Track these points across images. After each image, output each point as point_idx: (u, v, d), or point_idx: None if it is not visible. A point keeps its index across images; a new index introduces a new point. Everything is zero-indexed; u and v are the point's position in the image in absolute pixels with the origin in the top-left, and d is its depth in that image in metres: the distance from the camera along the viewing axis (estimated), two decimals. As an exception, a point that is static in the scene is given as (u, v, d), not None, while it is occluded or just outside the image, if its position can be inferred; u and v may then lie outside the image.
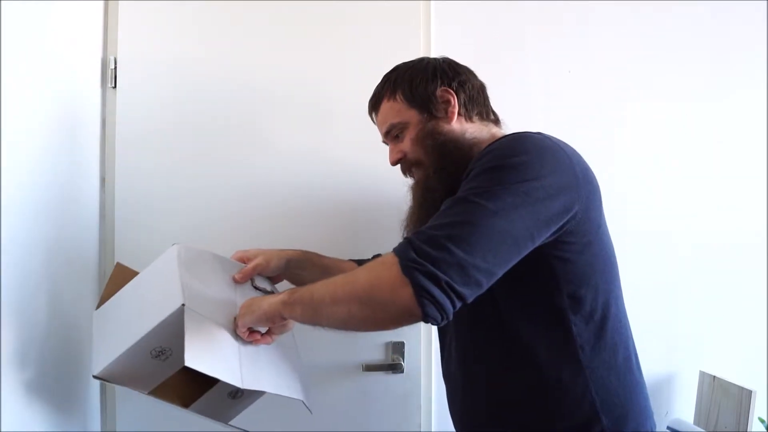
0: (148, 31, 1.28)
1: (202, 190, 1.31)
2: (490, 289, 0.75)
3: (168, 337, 0.79)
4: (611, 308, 0.87)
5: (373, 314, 0.74)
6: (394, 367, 1.35)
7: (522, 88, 1.44)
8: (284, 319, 0.83)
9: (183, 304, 0.77)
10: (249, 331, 0.85)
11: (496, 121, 1.00)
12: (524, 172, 0.76)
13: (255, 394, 0.91)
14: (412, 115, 0.95)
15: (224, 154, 1.32)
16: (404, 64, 1.01)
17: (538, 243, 0.77)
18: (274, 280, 1.03)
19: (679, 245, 1.53)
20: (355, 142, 1.35)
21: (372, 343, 1.37)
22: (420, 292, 0.69)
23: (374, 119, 1.04)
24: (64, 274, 1.02)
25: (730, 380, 1.41)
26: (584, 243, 0.83)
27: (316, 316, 0.79)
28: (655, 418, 0.93)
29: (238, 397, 0.91)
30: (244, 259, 1.00)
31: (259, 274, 0.99)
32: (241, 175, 1.32)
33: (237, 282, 0.94)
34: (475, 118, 0.96)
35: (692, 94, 1.53)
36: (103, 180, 1.27)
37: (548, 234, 0.78)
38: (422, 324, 1.37)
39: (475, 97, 0.97)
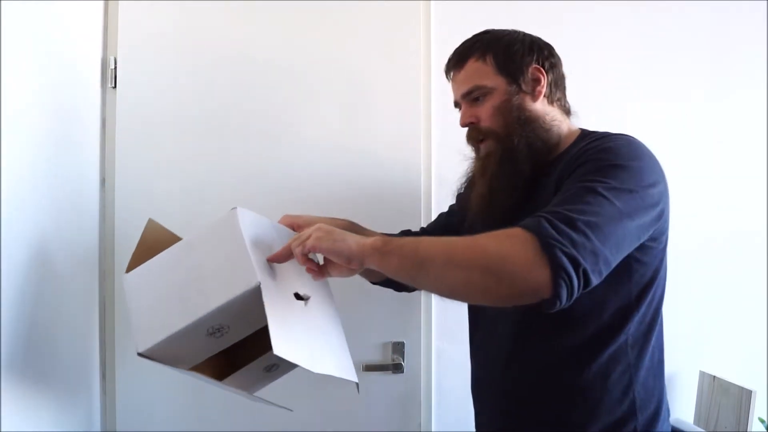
0: (148, 31, 1.28)
1: (202, 190, 1.31)
2: None
3: (230, 315, 0.73)
4: (659, 312, 0.92)
5: (497, 286, 0.69)
6: (394, 367, 1.35)
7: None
8: (363, 266, 0.75)
9: (259, 283, 0.70)
10: (306, 257, 0.77)
11: (569, 112, 0.99)
12: (645, 177, 0.79)
13: (288, 368, 0.88)
14: (500, 83, 0.92)
15: (224, 154, 1.32)
16: (499, 29, 0.98)
17: (638, 245, 0.80)
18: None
19: (679, 245, 1.52)
20: (353, 139, 1.35)
21: (372, 343, 1.37)
22: (559, 273, 0.66)
23: (451, 77, 0.99)
24: (64, 274, 1.02)
25: (730, 380, 1.41)
26: (660, 248, 0.88)
27: (420, 273, 0.73)
28: None
29: (273, 370, 0.87)
30: (294, 226, 0.95)
31: None
32: (241, 174, 1.32)
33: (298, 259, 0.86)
34: (555, 104, 0.96)
35: (692, 94, 1.53)
36: (103, 180, 1.27)
37: (646, 237, 0.81)
38: (422, 324, 1.38)
39: (559, 83, 0.97)
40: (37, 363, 0.87)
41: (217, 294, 0.71)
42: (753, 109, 1.57)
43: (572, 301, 0.69)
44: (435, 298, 1.38)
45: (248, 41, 1.33)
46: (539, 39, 0.98)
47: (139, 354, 0.71)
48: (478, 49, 0.94)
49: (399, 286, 1.11)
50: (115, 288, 1.27)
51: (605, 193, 0.73)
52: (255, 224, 0.82)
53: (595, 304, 0.85)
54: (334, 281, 1.11)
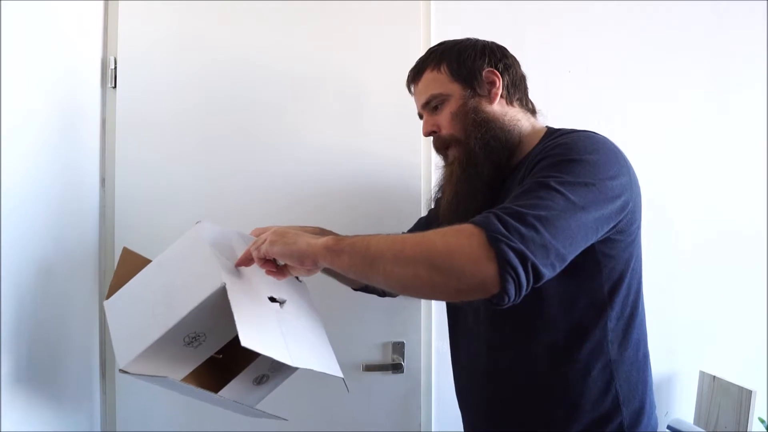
0: (148, 31, 1.28)
1: (203, 190, 1.31)
2: None
3: (203, 322, 0.74)
4: (638, 306, 0.91)
5: (445, 282, 0.68)
6: (394, 367, 1.35)
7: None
8: (317, 266, 0.77)
9: (224, 284, 0.72)
10: (264, 260, 0.80)
11: (533, 112, 1.00)
12: (601, 170, 0.78)
13: (278, 379, 0.88)
14: (455, 89, 0.94)
15: (224, 154, 1.32)
16: (451, 40, 1.00)
17: (598, 238, 0.79)
18: None
19: (679, 245, 1.53)
20: (353, 139, 1.35)
21: (372, 343, 1.37)
22: (506, 268, 0.65)
23: (412, 90, 1.03)
24: (64, 273, 1.02)
25: (730, 380, 1.41)
26: (629, 241, 0.86)
27: (369, 270, 0.73)
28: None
29: (263, 382, 0.87)
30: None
31: None
32: (241, 175, 1.32)
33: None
34: (515, 104, 0.97)
35: (692, 93, 1.53)
36: (103, 180, 1.27)
37: (607, 229, 0.79)
38: (422, 324, 1.38)
39: (517, 84, 0.98)
40: (37, 363, 0.87)
41: (186, 302, 0.73)
42: (753, 109, 1.57)
43: (521, 296, 0.68)
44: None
45: (248, 41, 1.33)
46: (492, 43, 1.00)
47: (121, 371, 0.73)
48: (432, 60, 0.97)
49: (382, 292, 1.12)
50: (115, 288, 1.27)
51: (558, 187, 0.73)
52: (219, 234, 0.85)
53: (565, 303, 0.86)
54: (334, 284, 1.11)
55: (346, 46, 1.36)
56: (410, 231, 1.19)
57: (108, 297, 0.84)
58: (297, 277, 0.93)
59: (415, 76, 1.01)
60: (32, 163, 0.86)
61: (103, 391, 1.27)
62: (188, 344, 0.75)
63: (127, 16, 1.27)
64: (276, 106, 1.34)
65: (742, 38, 1.56)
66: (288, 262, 0.78)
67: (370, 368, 1.35)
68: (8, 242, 0.75)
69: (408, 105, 1.37)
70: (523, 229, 0.68)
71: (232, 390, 0.83)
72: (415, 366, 1.38)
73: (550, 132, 0.94)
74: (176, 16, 1.30)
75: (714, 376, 1.45)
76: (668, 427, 1.43)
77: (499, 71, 0.95)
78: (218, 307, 0.72)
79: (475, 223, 0.69)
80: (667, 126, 1.52)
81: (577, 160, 0.78)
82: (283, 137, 1.34)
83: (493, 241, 0.66)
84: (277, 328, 0.78)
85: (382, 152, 1.37)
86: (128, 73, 1.28)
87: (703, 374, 1.48)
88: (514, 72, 0.98)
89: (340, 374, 0.84)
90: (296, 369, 0.79)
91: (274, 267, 0.81)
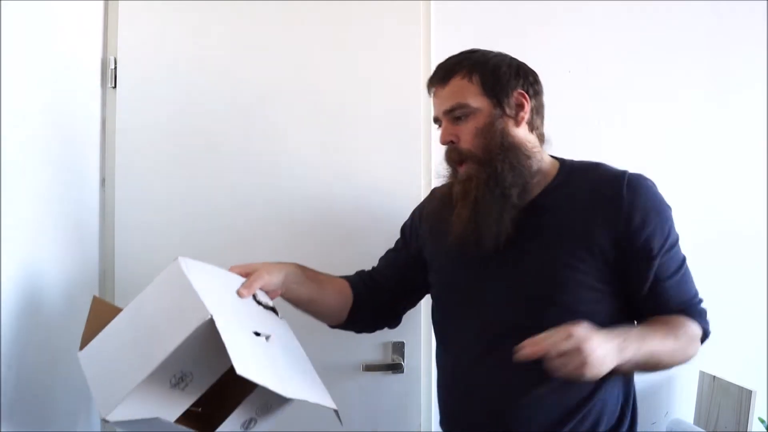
0: (148, 31, 1.28)
1: (203, 191, 1.30)
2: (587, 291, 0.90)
3: (189, 360, 0.71)
4: None
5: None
6: (394, 367, 1.35)
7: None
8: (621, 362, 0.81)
9: (211, 316, 0.69)
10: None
11: (542, 139, 0.98)
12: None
13: (266, 422, 0.84)
14: (484, 104, 0.91)
15: (224, 155, 1.31)
16: (484, 50, 0.97)
17: None
18: (271, 295, 0.96)
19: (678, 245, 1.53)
20: (353, 138, 1.35)
21: (372, 343, 1.36)
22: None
23: (432, 91, 0.97)
24: (64, 274, 1.02)
25: (730, 380, 1.41)
26: None
27: (647, 368, 0.93)
28: (655, 417, 0.97)
29: (251, 427, 0.82)
30: (243, 273, 0.93)
31: (261, 288, 0.93)
32: (241, 175, 1.32)
33: (241, 296, 0.87)
34: (535, 132, 0.96)
35: (692, 93, 1.53)
36: (103, 180, 1.27)
37: None
38: (422, 324, 1.38)
39: (539, 112, 0.97)
40: (37, 362, 0.87)
41: (171, 338, 0.69)
42: (753, 109, 1.57)
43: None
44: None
45: (248, 41, 1.33)
46: (525, 64, 0.98)
47: (104, 420, 0.68)
48: (465, 67, 0.93)
49: (358, 330, 1.13)
50: (115, 288, 1.27)
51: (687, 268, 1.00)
52: (200, 269, 0.82)
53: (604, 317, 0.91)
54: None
55: (346, 45, 1.36)
56: (381, 264, 1.15)
57: (81, 348, 0.79)
58: (276, 313, 0.92)
59: (443, 78, 0.95)
60: (32, 163, 0.86)
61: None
62: (175, 386, 0.71)
63: (127, 16, 1.27)
64: (276, 106, 1.34)
65: (742, 38, 1.56)
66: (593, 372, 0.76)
67: (370, 368, 1.34)
68: (8, 242, 0.74)
69: (408, 105, 1.38)
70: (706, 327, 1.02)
71: (229, 427, 0.78)
72: (415, 366, 1.38)
73: (565, 164, 0.97)
74: (176, 16, 1.30)
75: (714, 376, 1.45)
76: (668, 427, 1.43)
77: (529, 95, 0.93)
78: (205, 342, 0.70)
79: (700, 324, 1.01)
80: (667, 126, 1.51)
81: (670, 222, 0.98)
82: (283, 136, 1.34)
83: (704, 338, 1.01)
84: (268, 361, 0.76)
85: (382, 152, 1.37)
86: (128, 73, 1.28)
87: (703, 374, 1.48)
88: (540, 99, 0.97)
89: (333, 406, 0.83)
90: (286, 404, 0.78)
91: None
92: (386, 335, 1.36)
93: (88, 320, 0.82)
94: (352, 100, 1.36)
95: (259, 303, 0.89)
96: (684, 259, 0.97)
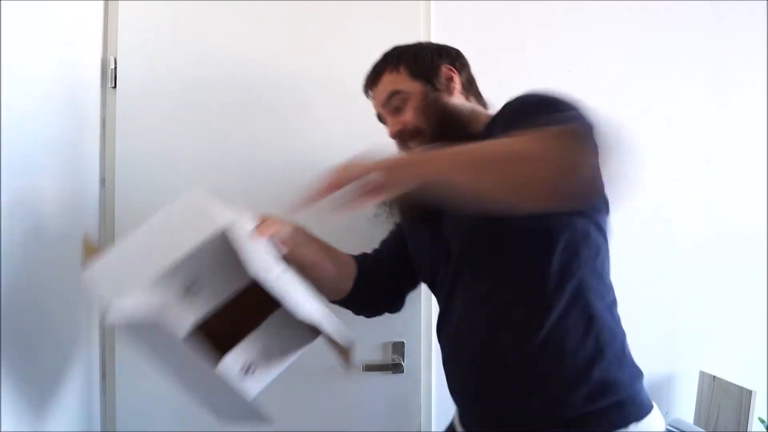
0: (148, 31, 1.28)
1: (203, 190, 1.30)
2: (533, 232, 0.85)
3: (201, 270, 0.69)
4: (615, 302, 0.94)
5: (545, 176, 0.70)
6: (394, 367, 1.35)
7: (522, 88, 1.43)
8: (433, 182, 0.73)
9: (227, 225, 0.68)
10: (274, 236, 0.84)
11: (486, 106, 1.04)
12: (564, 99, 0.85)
13: (267, 374, 0.79)
14: (415, 86, 0.98)
15: (224, 154, 1.32)
16: (405, 44, 1.04)
17: None
18: (279, 247, 0.93)
19: (679, 245, 1.53)
20: (353, 139, 1.35)
21: (372, 343, 1.37)
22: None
23: (370, 95, 1.05)
24: (63, 273, 1.02)
25: (730, 380, 1.41)
26: (602, 222, 0.91)
27: (482, 175, 0.72)
28: None
29: (249, 374, 0.78)
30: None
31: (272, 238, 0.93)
32: (241, 175, 1.32)
33: (258, 236, 0.87)
34: (471, 99, 1.02)
35: (692, 93, 1.53)
36: (103, 180, 1.27)
37: None
38: (422, 324, 1.38)
39: (472, 83, 1.03)
40: (37, 362, 0.87)
41: (184, 244, 0.67)
42: (753, 109, 1.57)
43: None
44: (434, 299, 1.38)
45: (248, 41, 1.33)
46: (446, 45, 1.04)
47: (109, 324, 0.67)
48: (390, 63, 1.00)
49: (357, 309, 1.12)
50: (115, 288, 1.27)
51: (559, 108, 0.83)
52: (214, 202, 0.77)
53: (543, 241, 0.88)
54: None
55: (346, 45, 1.36)
56: (381, 245, 1.17)
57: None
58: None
59: (373, 79, 1.03)
60: (32, 163, 0.86)
61: (103, 391, 1.27)
62: (185, 295, 0.69)
63: (127, 16, 1.27)
64: (275, 106, 1.34)
65: (742, 38, 1.56)
66: (403, 185, 0.74)
67: (370, 368, 1.34)
68: (7, 242, 0.75)
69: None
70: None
71: (230, 366, 0.74)
72: (415, 366, 1.38)
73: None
74: (176, 16, 1.30)
75: (714, 376, 1.45)
76: (668, 427, 1.43)
77: (456, 68, 0.99)
78: (219, 256, 0.68)
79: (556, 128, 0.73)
80: (667, 126, 1.52)
81: (548, 94, 0.86)
82: (284, 136, 1.34)
83: (583, 135, 0.73)
84: (278, 282, 0.73)
85: (382, 152, 1.36)
86: (128, 73, 1.28)
87: (703, 374, 1.48)
88: (469, 73, 1.03)
89: (347, 339, 0.79)
90: (288, 354, 0.76)
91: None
92: (386, 335, 1.36)
93: (84, 255, 0.78)
94: (352, 99, 1.35)
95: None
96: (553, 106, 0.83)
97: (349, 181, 0.72)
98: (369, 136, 1.36)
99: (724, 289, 1.55)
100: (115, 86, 1.27)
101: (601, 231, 0.91)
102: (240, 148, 1.32)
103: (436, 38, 1.39)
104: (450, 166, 0.72)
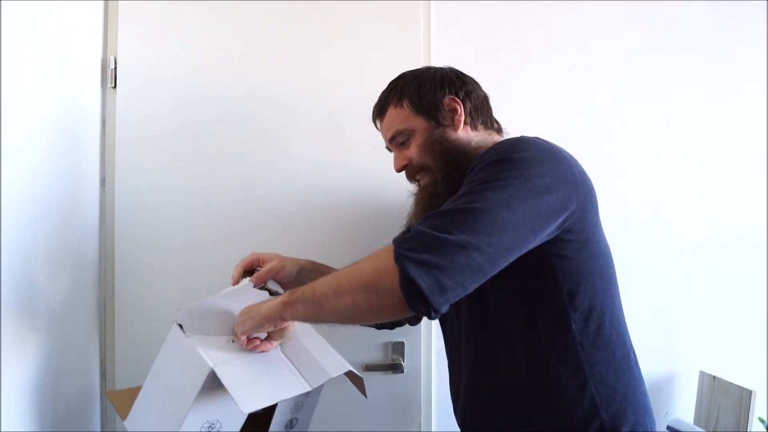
0: (148, 31, 1.28)
1: (203, 191, 1.31)
2: (494, 288, 0.80)
3: (212, 409, 0.81)
4: (608, 306, 0.89)
5: (380, 301, 0.71)
6: (394, 367, 1.35)
7: (522, 88, 1.44)
8: (284, 320, 0.84)
9: (211, 368, 0.77)
10: (248, 339, 0.88)
11: (499, 130, 1.02)
12: (526, 167, 0.77)
13: (307, 411, 0.94)
14: (419, 123, 0.97)
15: (224, 155, 1.32)
16: (410, 72, 1.02)
17: (540, 238, 0.77)
18: (284, 286, 1.03)
19: (679, 245, 1.53)
20: (354, 142, 1.35)
21: (372, 343, 1.37)
22: (405, 283, 0.67)
23: (378, 126, 1.05)
24: (64, 274, 1.02)
25: (730, 380, 1.41)
26: (582, 241, 0.84)
27: (320, 311, 0.78)
28: (655, 417, 0.94)
29: (294, 425, 0.92)
30: (258, 261, 1.03)
31: (273, 278, 1.00)
32: (241, 175, 1.32)
33: (254, 285, 0.96)
34: (479, 127, 0.98)
35: (692, 93, 1.53)
36: (103, 180, 1.27)
37: (549, 229, 0.78)
38: (422, 324, 1.38)
39: (479, 107, 0.99)
40: (36, 363, 0.87)
41: (187, 396, 0.78)
42: (753, 109, 1.57)
43: (441, 308, 0.68)
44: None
45: (247, 41, 1.33)
46: (450, 71, 1.01)
47: None
48: (394, 97, 0.99)
49: (380, 324, 1.15)
50: (115, 288, 1.27)
51: (480, 189, 0.74)
52: (197, 316, 0.88)
53: (523, 305, 0.87)
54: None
55: (345, 45, 1.36)
56: None
57: (124, 418, 0.89)
58: None
59: (379, 113, 1.03)
60: (32, 164, 0.86)
61: (103, 393, 1.26)
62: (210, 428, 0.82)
63: (127, 16, 1.27)
64: (276, 106, 1.34)
65: (742, 38, 1.56)
66: (263, 331, 0.87)
67: (370, 368, 1.35)
68: (8, 243, 0.75)
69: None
70: (435, 234, 0.69)
71: None
72: (415, 366, 1.38)
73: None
74: (176, 16, 1.30)
75: (714, 376, 1.45)
76: (668, 427, 1.43)
77: (460, 98, 0.96)
78: (220, 391, 0.77)
79: (393, 239, 0.73)
80: (666, 126, 1.52)
81: (503, 161, 0.79)
82: (284, 136, 1.34)
83: (397, 257, 0.69)
84: (285, 365, 0.86)
85: (382, 152, 1.36)
86: (128, 73, 1.28)
87: (703, 374, 1.48)
88: (476, 96, 0.99)
89: (350, 367, 0.91)
90: (313, 394, 0.87)
91: (259, 341, 0.89)
92: (386, 335, 1.37)
93: (116, 408, 0.92)
94: (352, 100, 1.36)
95: (270, 291, 0.97)
96: (474, 198, 0.75)
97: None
98: (370, 136, 1.36)
99: (724, 289, 1.55)
100: (115, 86, 1.27)
101: (573, 261, 0.85)
102: (240, 146, 1.32)
103: (436, 38, 1.40)
104: (292, 313, 0.82)
